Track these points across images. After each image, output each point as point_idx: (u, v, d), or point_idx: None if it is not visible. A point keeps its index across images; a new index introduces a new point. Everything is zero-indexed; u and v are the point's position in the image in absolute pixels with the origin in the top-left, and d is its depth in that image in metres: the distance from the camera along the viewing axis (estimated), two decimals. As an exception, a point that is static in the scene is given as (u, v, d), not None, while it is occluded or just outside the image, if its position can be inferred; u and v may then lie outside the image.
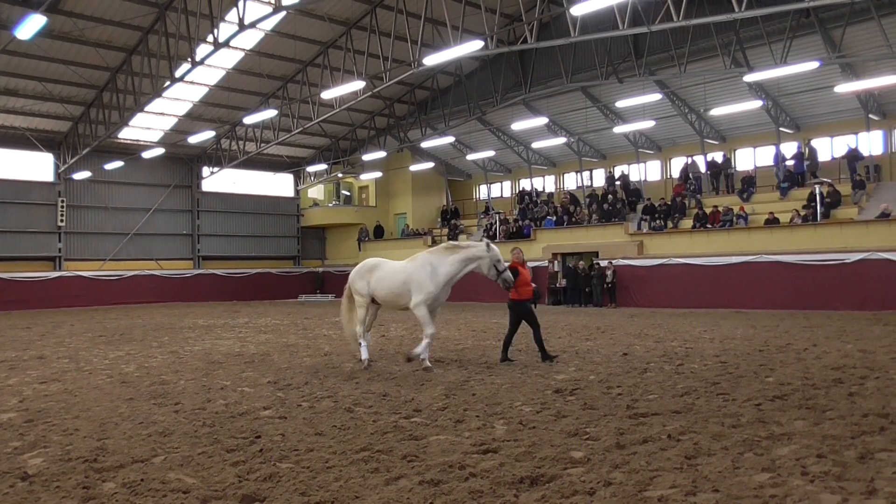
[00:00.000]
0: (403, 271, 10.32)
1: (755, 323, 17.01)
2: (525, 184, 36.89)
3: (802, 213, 23.66)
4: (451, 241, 11.43)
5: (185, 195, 37.10)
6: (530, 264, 29.37)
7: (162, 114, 31.35)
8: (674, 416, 6.83)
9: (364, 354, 10.47)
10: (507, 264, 10.52)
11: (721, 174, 28.92)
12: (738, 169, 29.21)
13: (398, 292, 10.28)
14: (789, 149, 27.46)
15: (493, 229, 33.55)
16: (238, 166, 35.77)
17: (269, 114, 28.55)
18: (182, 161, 36.50)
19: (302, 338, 15.66)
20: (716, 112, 25.74)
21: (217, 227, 37.92)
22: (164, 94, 28.24)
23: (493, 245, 10.44)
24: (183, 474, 5.22)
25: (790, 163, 26.77)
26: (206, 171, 36.97)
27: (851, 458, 5.22)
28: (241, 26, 20.64)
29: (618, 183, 31.72)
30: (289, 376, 9.82)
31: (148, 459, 5.63)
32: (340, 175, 39.48)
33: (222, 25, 22.70)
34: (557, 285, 28.69)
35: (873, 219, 21.96)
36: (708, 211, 26.49)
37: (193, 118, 32.18)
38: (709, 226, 25.94)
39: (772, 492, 4.52)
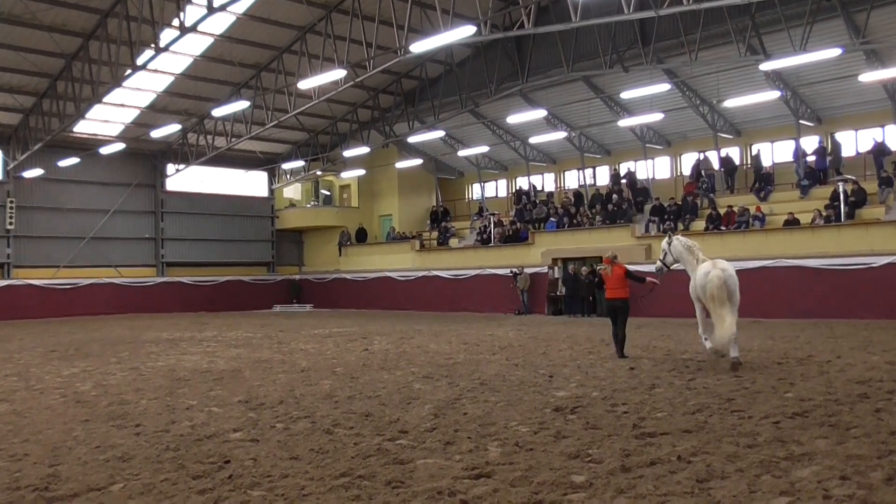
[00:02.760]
0: None
1: (773, 333, 17.09)
2: (522, 182, 36.96)
3: (825, 213, 23.82)
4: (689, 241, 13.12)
5: (147, 195, 36.93)
6: (528, 270, 29.46)
7: (122, 105, 31.21)
8: (684, 435, 6.85)
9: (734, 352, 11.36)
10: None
11: (736, 172, 29.09)
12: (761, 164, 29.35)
13: None
14: (810, 143, 27.64)
15: (486, 232, 33.60)
16: (206, 163, 35.64)
17: (241, 105, 28.44)
18: (144, 157, 36.33)
19: (277, 352, 15.61)
20: (730, 104, 25.88)
21: (183, 231, 37.77)
22: (125, 84, 28.10)
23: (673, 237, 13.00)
24: (144, 503, 5.18)
25: (811, 158, 26.95)
26: (170, 168, 36.81)
27: (878, 479, 5.24)
28: (210, 9, 20.62)
29: (623, 181, 31.81)
30: (262, 395, 9.79)
31: (105, 487, 5.58)
32: (319, 173, 39.41)
33: (189, 8, 22.64)
34: (557, 293, 28.73)
35: (901, 219, 22.14)
36: (722, 211, 26.63)
37: (157, 110, 32.05)
38: (723, 227, 26.06)
39: (791, 518, 4.54)
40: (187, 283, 36.73)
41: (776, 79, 25.61)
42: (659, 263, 13.41)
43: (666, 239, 13.25)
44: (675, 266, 13.22)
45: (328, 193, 42.50)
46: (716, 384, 9.85)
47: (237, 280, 38.38)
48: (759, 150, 28.84)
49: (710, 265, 11.91)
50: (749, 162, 29.69)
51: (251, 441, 7.06)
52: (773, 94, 24.93)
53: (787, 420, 7.35)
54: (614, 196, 30.27)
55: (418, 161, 36.62)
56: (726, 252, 24.94)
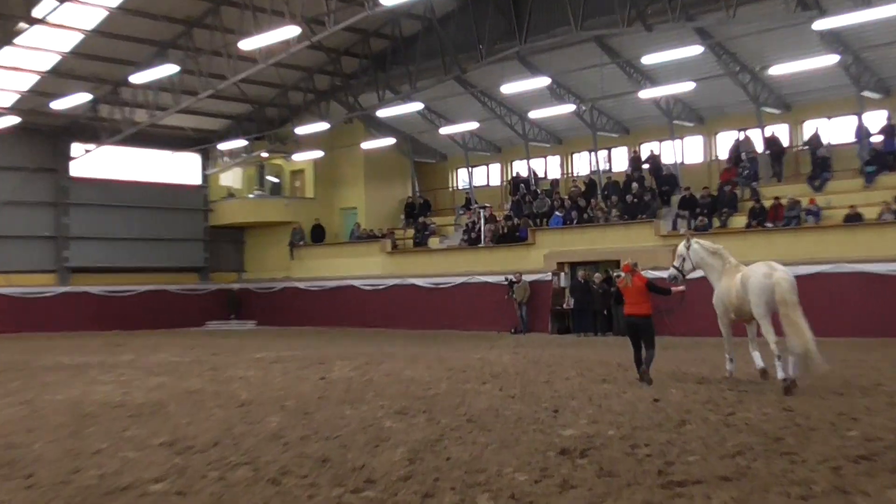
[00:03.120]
0: None
1: (832, 355, 17.17)
2: (520, 168, 37.01)
3: (894, 206, 24.03)
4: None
5: (47, 182, 36.59)
6: (527, 277, 29.49)
7: (16, 69, 30.93)
8: (722, 484, 6.83)
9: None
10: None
11: (784, 155, 29.30)
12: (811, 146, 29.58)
13: None
14: (876, 120, 27.92)
15: (475, 230, 33.61)
16: (123, 143, 35.36)
17: (168, 70, 28.22)
18: (44, 135, 35.99)
19: (210, 382, 15.48)
20: (776, 71, 26.06)
21: (92, 228, 37.45)
22: (18, 42, 27.82)
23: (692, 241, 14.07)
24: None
25: (877, 139, 27.20)
26: (77, 148, 36.52)
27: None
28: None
29: (646, 166, 31.93)
30: (190, 435, 9.70)
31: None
32: (265, 155, 39.26)
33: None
34: (564, 306, 28.76)
35: None
36: (767, 204, 26.81)
37: (61, 75, 31.76)
38: (768, 224, 26.22)
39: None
40: (97, 295, 36.42)
41: (833, 40, 25.80)
42: (673, 270, 14.28)
43: (683, 242, 14.20)
44: (692, 274, 14.03)
45: (276, 181, 42.36)
46: (760, 420, 9.87)
47: (160, 290, 38.13)
48: (816, 129, 29.02)
49: (766, 266, 12.84)
50: (800, 143, 29.91)
51: (177, 494, 6.97)
52: (830, 60, 25.10)
53: (850, 465, 7.35)
54: (634, 185, 30.39)
55: (390, 141, 36.57)
56: (772, 255, 24.96)
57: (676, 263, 14.19)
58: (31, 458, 8.53)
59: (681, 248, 14.13)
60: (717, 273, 13.59)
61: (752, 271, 12.91)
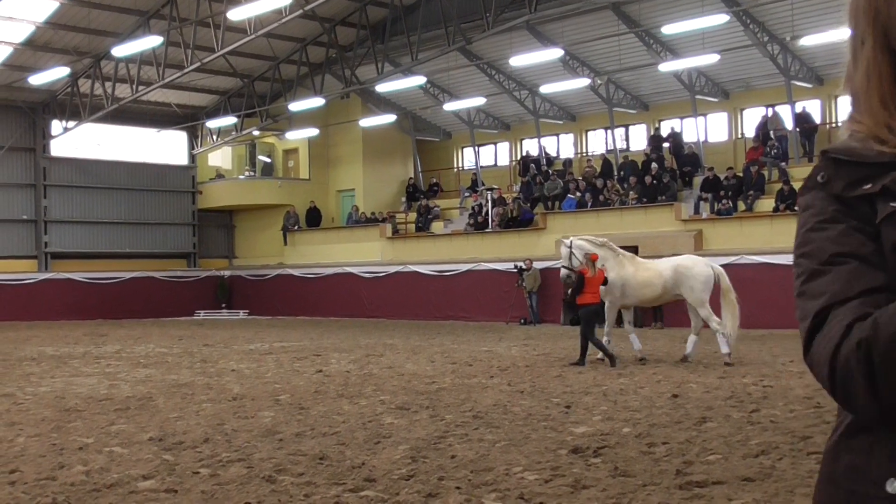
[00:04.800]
0: None
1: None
2: (530, 146, 36.98)
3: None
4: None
5: (24, 162, 36.68)
6: (538, 264, 29.53)
7: (-11, 40, 30.97)
8: (744, 485, 6.90)
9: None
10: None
11: (816, 133, 29.27)
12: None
13: None
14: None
15: (482, 213, 33.64)
16: (104, 120, 35.37)
17: (151, 42, 28.21)
18: (20, 112, 36.05)
19: (200, 374, 15.59)
20: (808, 41, 26.00)
21: (73, 211, 37.58)
22: (-7, 12, 27.86)
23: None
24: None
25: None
26: (56, 126, 36.57)
27: None
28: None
29: (666, 145, 31.90)
30: (180, 430, 9.79)
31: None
32: (256, 133, 39.27)
33: None
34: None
35: None
36: (797, 186, 26.78)
37: (37, 48, 31.81)
38: (798, 208, 26.19)
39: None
40: (79, 281, 36.53)
41: (869, 9, 25.68)
42: (565, 271, 16.47)
43: (565, 243, 16.66)
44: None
45: (268, 160, 42.39)
46: (786, 417, 9.95)
47: (146, 277, 38.21)
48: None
49: (695, 259, 16.89)
50: (834, 119, 29.86)
51: (167, 492, 7.03)
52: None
53: (880, 464, 7.42)
54: (654, 165, 30.36)
55: (390, 117, 36.52)
56: (802, 241, 25.12)
57: (565, 263, 16.38)
58: (15, 454, 8.61)
59: (563, 249, 16.52)
60: (611, 263, 16.17)
61: (690, 262, 16.23)
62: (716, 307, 15.90)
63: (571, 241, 16.44)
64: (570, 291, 16.11)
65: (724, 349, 15.45)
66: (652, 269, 16.41)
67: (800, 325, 1.46)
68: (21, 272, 35.90)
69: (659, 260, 17.54)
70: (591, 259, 15.79)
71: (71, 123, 35.65)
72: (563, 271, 16.55)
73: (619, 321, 17.10)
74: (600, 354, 15.98)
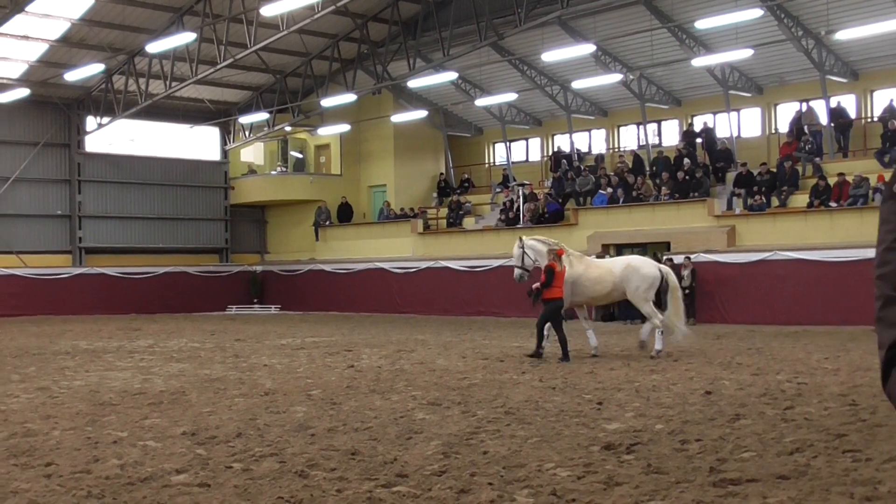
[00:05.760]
0: None
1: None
2: (562, 142, 36.83)
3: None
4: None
5: (59, 158, 37.07)
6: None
7: (25, 38, 31.22)
8: (779, 483, 6.85)
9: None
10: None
11: (851, 128, 28.91)
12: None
13: None
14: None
15: (514, 209, 33.56)
16: (138, 116, 35.70)
17: (185, 38, 28.38)
18: (56, 108, 36.43)
19: (232, 369, 15.69)
20: (843, 36, 25.68)
21: (107, 206, 37.94)
22: (29, 9, 28.12)
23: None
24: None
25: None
26: (90, 122, 36.89)
27: None
28: None
29: (699, 140, 31.65)
30: (213, 425, 9.85)
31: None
32: (289, 129, 39.41)
33: None
34: (609, 291, 28.70)
35: None
36: (832, 182, 26.51)
37: (72, 45, 32.09)
38: (833, 204, 25.93)
39: None
40: (113, 276, 36.83)
41: (907, 2, 25.37)
42: (518, 271, 16.85)
43: (517, 243, 17.14)
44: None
45: (300, 156, 42.53)
46: (821, 415, 9.85)
47: (179, 272, 38.48)
48: (891, 100, 28.49)
49: (643, 259, 17.75)
50: (870, 114, 29.47)
51: (200, 486, 7.08)
52: (904, 23, 24.69)
53: (918, 463, 7.34)
54: (686, 161, 30.16)
55: (421, 113, 36.53)
56: (836, 236, 24.92)
57: (518, 263, 16.87)
58: (50, 447, 8.71)
59: (515, 249, 16.98)
60: (579, 262, 16.87)
61: (639, 262, 17.12)
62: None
63: (524, 242, 16.96)
64: (535, 287, 15.90)
65: (659, 345, 16.31)
66: (602, 267, 17.25)
67: (879, 352, 1.41)
68: (55, 267, 36.24)
69: (609, 259, 18.95)
70: (558, 254, 16.11)
71: (105, 119, 35.94)
72: (517, 271, 16.92)
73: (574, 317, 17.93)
74: (593, 350, 16.91)
